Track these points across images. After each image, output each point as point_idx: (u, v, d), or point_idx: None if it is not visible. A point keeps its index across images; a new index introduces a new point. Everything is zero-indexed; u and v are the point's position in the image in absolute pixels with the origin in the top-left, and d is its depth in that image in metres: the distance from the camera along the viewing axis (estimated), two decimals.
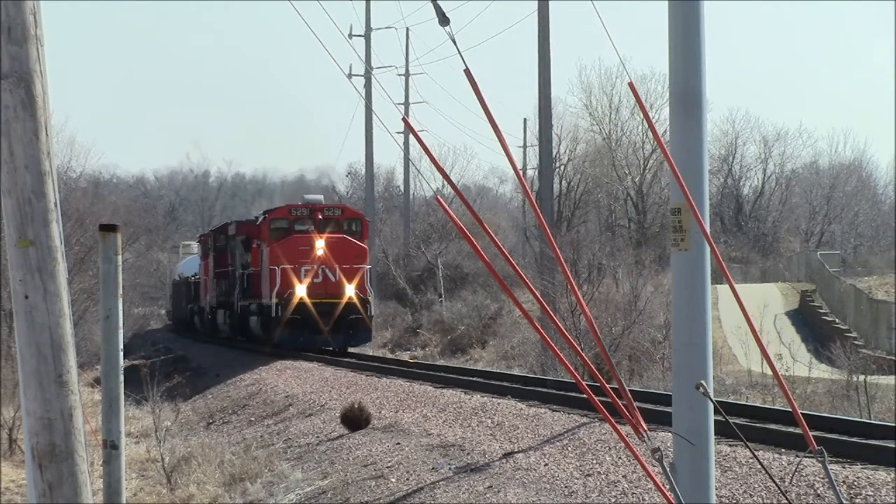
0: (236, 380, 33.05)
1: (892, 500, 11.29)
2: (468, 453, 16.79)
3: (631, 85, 4.94)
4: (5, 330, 25.59)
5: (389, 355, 41.98)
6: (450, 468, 15.87)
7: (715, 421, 8.54)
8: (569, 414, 18.56)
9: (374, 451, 18.22)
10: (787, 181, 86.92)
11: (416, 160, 75.53)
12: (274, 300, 35.71)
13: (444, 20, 4.65)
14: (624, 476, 13.74)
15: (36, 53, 4.32)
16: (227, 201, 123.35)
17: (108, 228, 5.56)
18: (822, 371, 31.94)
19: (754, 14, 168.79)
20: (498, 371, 31.22)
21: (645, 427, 3.95)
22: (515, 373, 30.27)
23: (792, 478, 12.26)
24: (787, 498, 11.82)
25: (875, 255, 74.07)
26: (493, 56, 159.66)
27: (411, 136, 53.60)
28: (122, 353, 5.63)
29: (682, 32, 8.55)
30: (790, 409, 5.09)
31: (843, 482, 11.89)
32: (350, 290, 35.67)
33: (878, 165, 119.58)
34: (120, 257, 5.55)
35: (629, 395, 4.04)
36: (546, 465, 15.15)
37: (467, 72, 4.27)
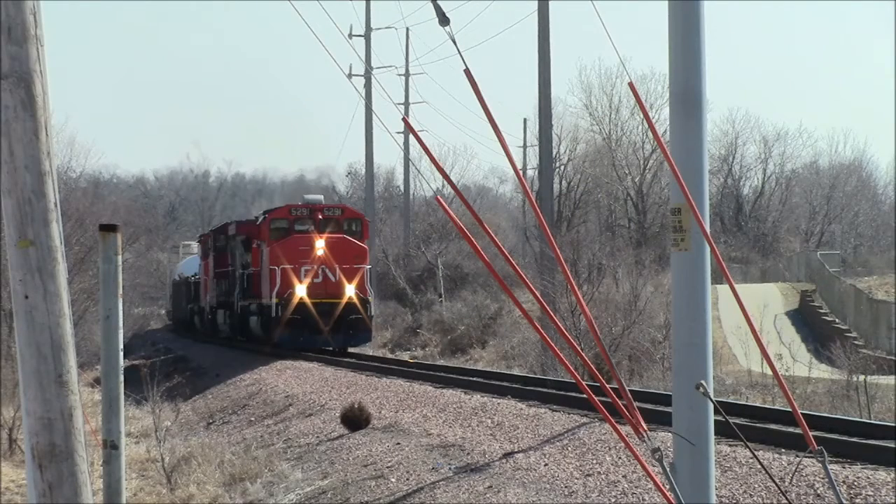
0: (236, 380, 33.05)
1: (892, 501, 11.29)
2: (468, 453, 16.79)
3: (631, 85, 4.94)
4: (5, 330, 25.59)
5: (389, 355, 41.98)
6: (450, 468, 15.88)
7: (715, 421, 8.54)
8: (569, 414, 18.56)
9: (374, 451, 18.22)
10: (787, 181, 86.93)
11: (416, 160, 75.55)
12: (274, 300, 35.71)
13: (444, 20, 4.65)
14: (624, 476, 13.74)
15: (36, 53, 4.32)
16: (227, 201, 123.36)
17: (108, 228, 5.56)
18: (822, 371, 31.93)
19: (754, 14, 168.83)
20: (498, 371, 31.22)
21: (645, 427, 3.95)
22: (515, 373, 30.27)
23: (792, 478, 12.26)
24: (787, 498, 11.82)
25: (875, 255, 74.07)
26: (493, 56, 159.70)
27: (411, 136, 53.60)
28: (122, 353, 5.63)
29: (682, 32, 8.55)
30: (790, 409, 5.09)
31: (843, 482, 11.89)
32: (350, 290, 35.67)
33: (878, 165, 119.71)
34: (120, 257, 5.55)
35: (629, 395, 4.04)
36: (546, 465, 15.15)
37: (467, 72, 4.27)
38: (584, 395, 5.52)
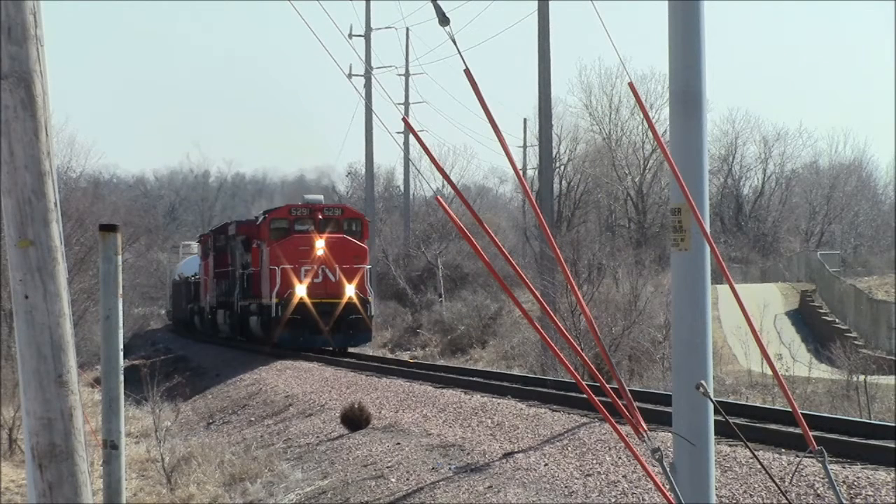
0: (236, 380, 33.05)
1: (892, 501, 11.30)
2: (468, 453, 16.79)
3: (631, 85, 4.94)
4: (5, 330, 25.59)
5: (389, 355, 41.97)
6: (450, 468, 15.88)
7: (715, 421, 8.54)
8: (569, 414, 18.56)
9: (374, 451, 18.22)
10: (787, 181, 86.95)
11: (416, 160, 75.57)
12: (274, 300, 35.71)
13: (444, 20, 4.65)
14: (624, 476, 13.74)
15: (36, 53, 4.32)
16: (227, 201, 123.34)
17: (108, 228, 5.56)
18: (822, 371, 31.94)
19: (754, 14, 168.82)
20: (498, 371, 31.22)
21: (645, 427, 3.95)
22: (515, 373, 30.28)
23: (792, 478, 12.27)
24: (787, 498, 11.82)
25: (875, 255, 74.09)
26: (493, 56, 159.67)
27: (411, 136, 53.61)
28: (122, 353, 5.64)
29: (682, 32, 8.55)
30: (790, 409, 5.10)
31: (843, 482, 11.89)
32: (350, 290, 35.67)
33: (878, 165, 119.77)
34: (120, 257, 5.55)
35: (629, 395, 4.04)
36: (546, 465, 15.15)
37: (467, 72, 4.27)
38: (584, 395, 5.52)
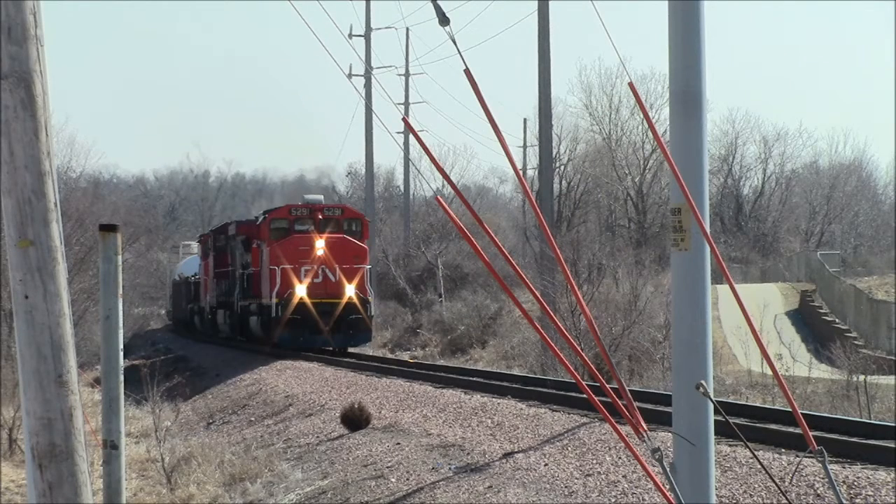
0: (236, 380, 33.05)
1: (892, 501, 11.30)
2: (468, 453, 16.79)
3: (631, 85, 4.94)
4: (5, 330, 25.59)
5: (389, 355, 41.98)
6: (450, 468, 15.88)
7: (715, 421, 8.54)
8: (569, 414, 18.56)
9: (374, 451, 18.22)
10: (787, 181, 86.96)
11: (416, 160, 75.57)
12: (274, 300, 35.72)
13: (444, 20, 4.65)
14: (624, 476, 13.74)
15: (36, 53, 4.32)
16: (227, 201, 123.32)
17: (108, 228, 5.56)
18: (822, 371, 31.94)
19: (754, 14, 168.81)
20: (498, 371, 31.22)
21: (645, 427, 3.95)
22: (515, 373, 30.27)
23: (792, 478, 12.27)
24: (787, 498, 11.83)
25: (875, 255, 74.10)
26: (493, 56, 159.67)
27: (411, 136, 53.61)
28: (122, 353, 5.64)
29: (682, 32, 8.55)
30: (790, 409, 5.10)
31: (843, 482, 11.89)
32: (350, 290, 35.68)
33: (878, 165, 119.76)
34: (120, 257, 5.55)
35: (629, 395, 4.04)
36: (546, 465, 15.15)
37: (467, 72, 4.27)
38: (584, 395, 5.52)
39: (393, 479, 15.87)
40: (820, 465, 5.21)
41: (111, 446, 5.55)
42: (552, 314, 4.26)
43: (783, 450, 14.04)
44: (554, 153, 58.42)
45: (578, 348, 4.45)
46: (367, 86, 59.53)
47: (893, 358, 36.16)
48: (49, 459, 4.25)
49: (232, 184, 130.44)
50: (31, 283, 4.26)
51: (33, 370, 4.25)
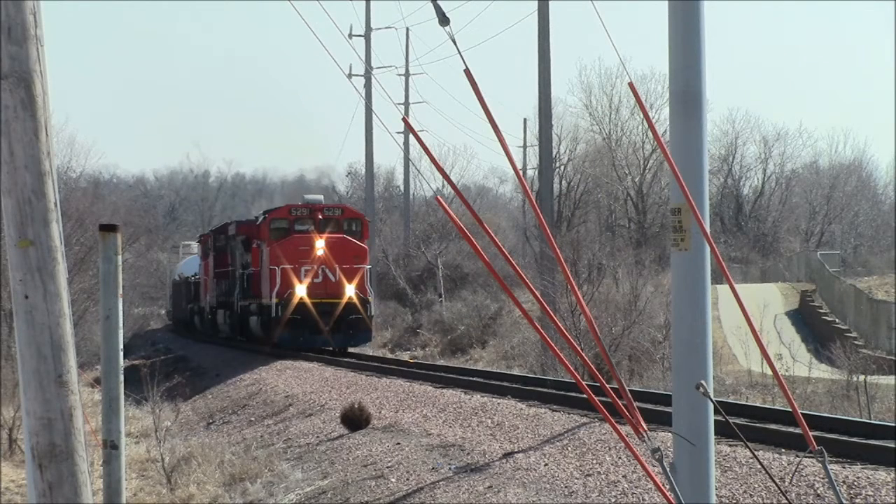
0: (236, 380, 33.05)
1: (892, 501, 11.30)
2: (468, 453, 16.79)
3: (631, 85, 4.94)
4: (5, 330, 25.59)
5: (389, 355, 41.98)
6: (450, 468, 15.88)
7: (715, 421, 8.54)
8: (569, 414, 18.56)
9: (374, 451, 18.22)
10: (787, 181, 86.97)
11: (416, 160, 75.57)
12: (274, 300, 35.72)
13: (444, 20, 4.65)
14: (624, 476, 13.74)
15: (36, 53, 4.32)
16: (227, 201, 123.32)
17: (108, 228, 5.56)
18: (822, 371, 31.94)
19: (754, 14, 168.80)
20: (498, 371, 31.21)
21: (645, 427, 3.95)
22: (515, 373, 30.27)
23: (792, 478, 12.27)
24: (787, 498, 11.83)
25: (875, 255, 74.10)
26: (493, 56, 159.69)
27: (411, 136, 53.61)
28: (122, 353, 5.64)
29: (682, 32, 8.55)
30: (790, 409, 5.10)
31: (843, 482, 11.89)
32: (350, 290, 35.68)
33: (878, 165, 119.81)
34: (120, 257, 5.55)
35: (629, 395, 4.04)
36: (546, 465, 15.15)
37: (467, 72, 4.27)
38: (584, 395, 5.52)
39: (393, 479, 15.87)
40: (820, 465, 5.21)
41: (111, 446, 5.55)
42: (552, 314, 4.26)
43: (783, 450, 14.04)
44: (554, 153, 58.43)
45: (578, 348, 4.45)
46: (367, 86, 59.54)
47: (893, 358, 36.15)
48: (49, 459, 4.25)
49: (232, 184, 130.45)
50: (31, 283, 4.26)
51: (33, 370, 4.25)
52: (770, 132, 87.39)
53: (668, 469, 4.00)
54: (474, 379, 25.90)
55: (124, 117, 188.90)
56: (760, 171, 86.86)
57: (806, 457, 12.50)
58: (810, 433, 4.50)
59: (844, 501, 11.06)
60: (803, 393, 25.68)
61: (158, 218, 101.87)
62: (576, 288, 4.76)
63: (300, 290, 35.44)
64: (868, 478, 11.97)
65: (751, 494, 12.14)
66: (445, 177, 4.62)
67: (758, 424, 16.22)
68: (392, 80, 72.75)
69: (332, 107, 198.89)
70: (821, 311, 50.49)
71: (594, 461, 14.80)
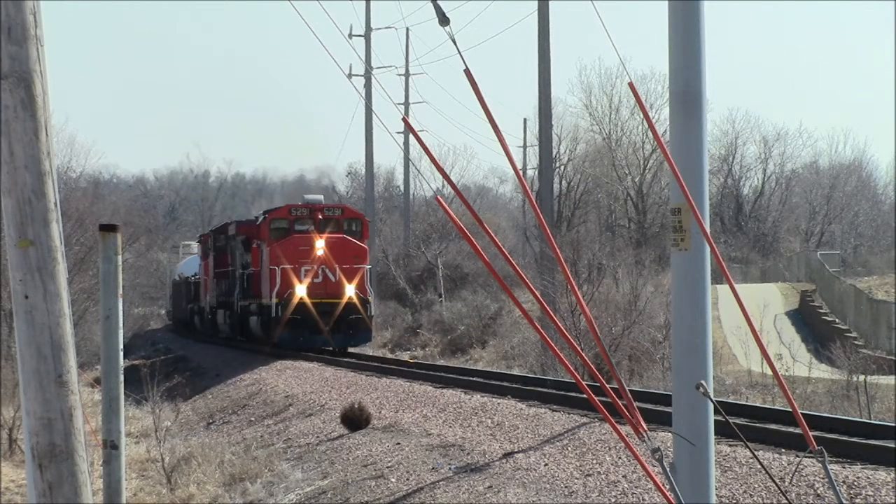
0: (236, 380, 33.05)
1: (892, 501, 11.30)
2: (468, 453, 16.79)
3: (631, 85, 4.94)
4: (5, 330, 25.59)
5: (389, 355, 41.97)
6: (450, 468, 15.88)
7: (715, 421, 8.54)
8: (569, 414, 18.57)
9: (374, 451, 18.22)
10: (787, 181, 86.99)
11: (416, 160, 75.57)
12: (274, 300, 35.72)
13: (444, 20, 4.65)
14: (624, 476, 13.74)
15: (36, 53, 4.32)
16: (227, 201, 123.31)
17: (108, 228, 5.56)
18: (822, 371, 31.93)
19: (754, 14, 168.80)
20: (498, 371, 31.21)
21: (645, 427, 3.95)
22: (515, 373, 30.27)
23: (792, 478, 12.27)
24: (787, 498, 11.83)
25: (875, 255, 74.10)
26: (493, 56, 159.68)
27: (411, 136, 53.62)
28: (122, 353, 5.64)
29: (682, 32, 8.55)
30: (790, 409, 5.10)
31: (843, 482, 11.89)
32: (350, 290, 35.68)
33: (878, 165, 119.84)
34: (120, 257, 5.55)
35: (629, 395, 4.04)
36: (546, 465, 15.15)
37: (467, 72, 4.27)
38: (584, 395, 5.52)
39: (393, 479, 15.87)
40: (820, 465, 5.21)
41: (111, 446, 5.55)
42: (552, 314, 4.26)
43: (783, 450, 14.04)
44: (554, 153, 58.43)
45: (578, 348, 4.45)
46: (367, 86, 59.54)
47: (893, 358, 36.15)
48: (49, 459, 4.25)
49: (232, 184, 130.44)
50: (31, 283, 4.26)
51: (33, 370, 4.25)
52: (770, 132, 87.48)
53: (668, 469, 4.00)
54: (474, 379, 25.90)
55: (124, 117, 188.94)
56: (760, 171, 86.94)
57: (806, 457, 12.50)
58: (810, 433, 4.50)
59: (844, 501, 11.06)
60: (803, 393, 25.68)
61: (158, 218, 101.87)
62: (576, 288, 4.76)
63: (300, 290, 35.44)
64: (868, 478, 11.97)
65: (751, 494, 12.14)
66: (445, 177, 4.62)
67: (758, 424, 16.22)
68: (392, 80, 72.80)
69: (332, 107, 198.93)
70: (821, 311, 50.48)
71: (594, 461, 14.80)
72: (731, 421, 5.24)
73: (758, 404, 20.98)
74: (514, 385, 23.99)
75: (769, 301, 47.49)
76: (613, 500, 12.92)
